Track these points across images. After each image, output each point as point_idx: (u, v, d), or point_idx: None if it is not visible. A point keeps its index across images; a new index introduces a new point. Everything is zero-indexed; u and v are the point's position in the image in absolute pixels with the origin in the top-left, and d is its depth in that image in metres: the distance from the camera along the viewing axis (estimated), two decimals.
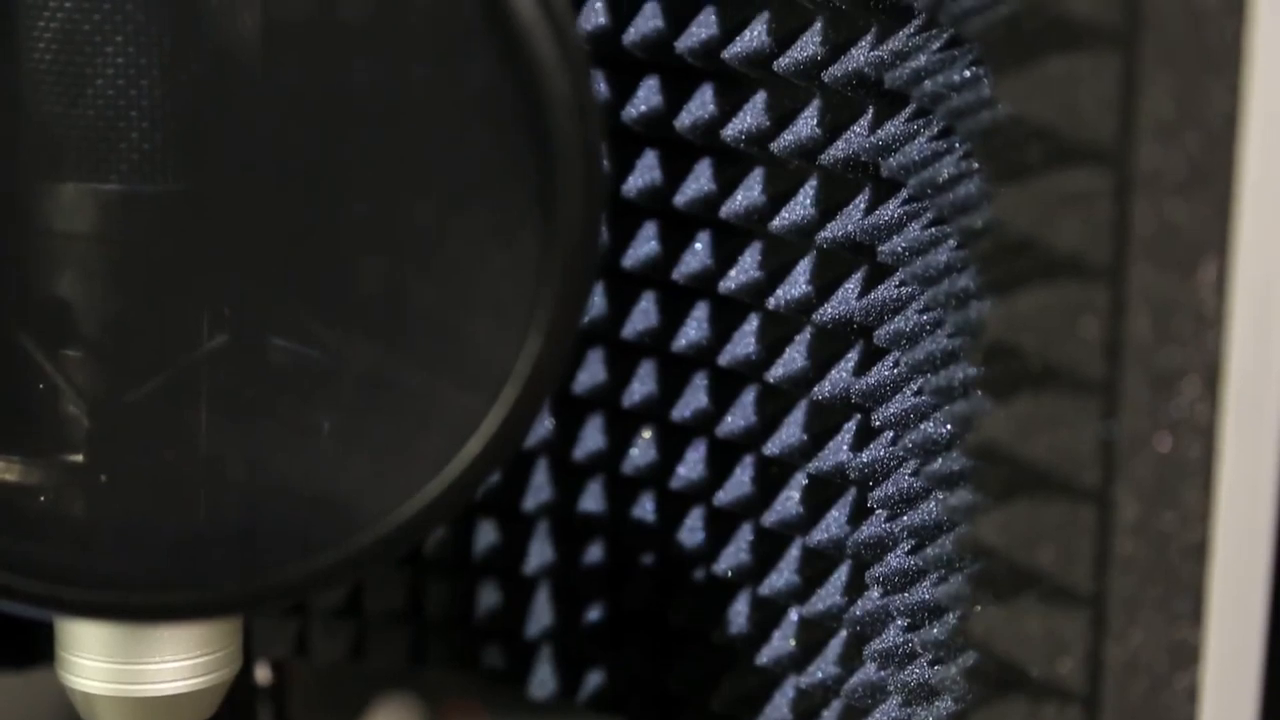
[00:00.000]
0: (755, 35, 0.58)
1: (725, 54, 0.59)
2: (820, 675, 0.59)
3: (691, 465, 0.65)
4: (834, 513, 0.58)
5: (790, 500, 0.60)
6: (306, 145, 0.52)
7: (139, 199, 0.51)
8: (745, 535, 0.63)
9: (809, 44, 0.56)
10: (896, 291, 0.54)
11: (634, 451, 0.66)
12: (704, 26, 0.60)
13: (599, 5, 0.63)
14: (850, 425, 0.58)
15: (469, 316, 0.50)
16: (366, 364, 0.51)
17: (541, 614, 0.71)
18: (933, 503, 0.52)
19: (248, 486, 0.51)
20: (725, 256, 0.62)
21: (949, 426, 0.50)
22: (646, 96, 0.63)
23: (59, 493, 0.53)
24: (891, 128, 0.53)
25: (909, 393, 0.54)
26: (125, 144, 0.51)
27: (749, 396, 0.62)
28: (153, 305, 0.52)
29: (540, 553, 0.70)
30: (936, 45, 0.50)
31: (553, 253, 0.47)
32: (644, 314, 0.65)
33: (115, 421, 0.52)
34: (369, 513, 0.49)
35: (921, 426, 0.51)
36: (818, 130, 0.57)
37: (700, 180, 0.62)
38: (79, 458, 0.52)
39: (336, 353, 0.51)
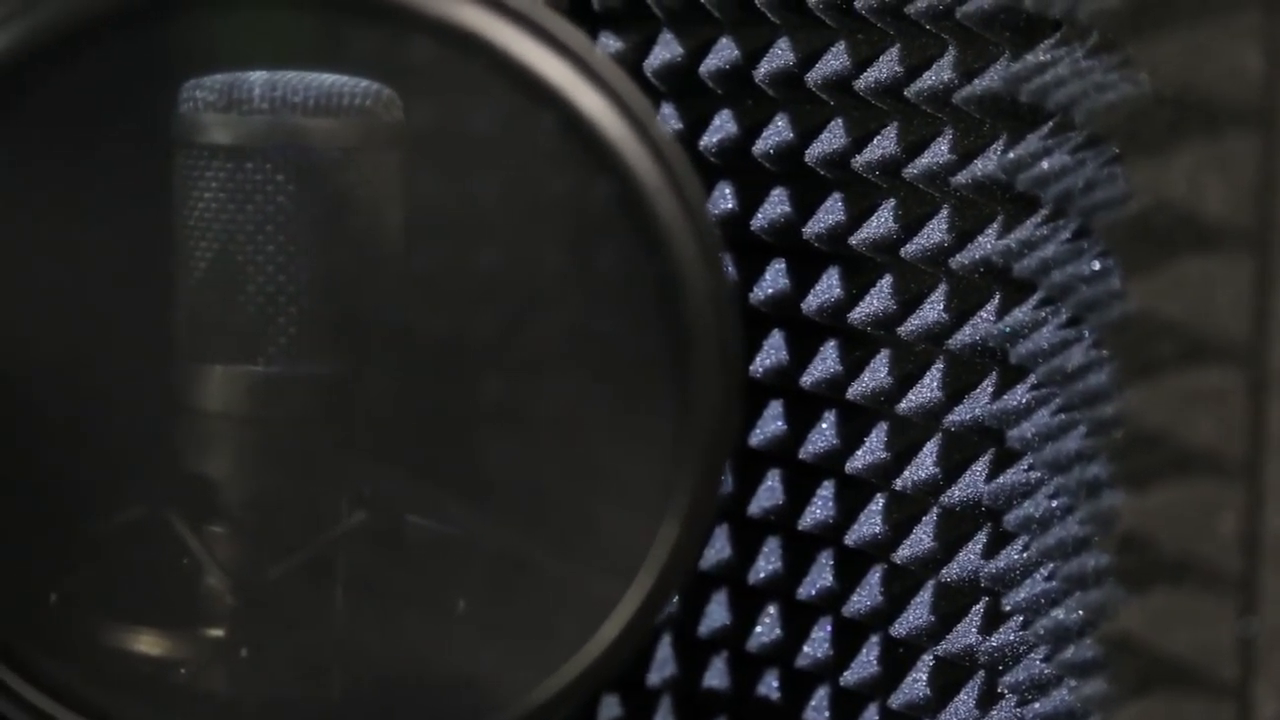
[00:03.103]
0: (882, 221, 0.59)
1: (852, 240, 0.60)
2: None
3: (817, 644, 0.65)
4: (963, 696, 0.58)
5: (918, 683, 0.60)
6: (445, 329, 0.53)
7: (285, 381, 0.53)
8: (871, 716, 0.63)
9: (936, 230, 0.57)
10: (1026, 476, 0.55)
11: (759, 629, 0.67)
12: (830, 213, 0.61)
13: (728, 191, 0.64)
14: (979, 608, 0.58)
15: (604, 500, 0.51)
16: (502, 545, 0.52)
17: None
18: (1064, 690, 0.51)
19: (383, 666, 0.52)
20: (851, 436, 0.63)
21: (1080, 614, 0.50)
22: (774, 279, 0.64)
23: (199, 667, 0.54)
24: (1019, 314, 0.54)
25: (1039, 577, 0.53)
26: (274, 328, 0.53)
27: (875, 576, 0.62)
28: (295, 483, 0.54)
29: None
30: (1065, 235, 0.51)
31: (688, 439, 0.48)
32: (770, 491, 0.65)
33: (257, 598, 0.53)
34: (504, 695, 0.49)
35: (1053, 613, 0.51)
36: (944, 315, 0.58)
37: (826, 361, 0.63)
38: (220, 632, 0.53)
39: (472, 533, 0.52)
